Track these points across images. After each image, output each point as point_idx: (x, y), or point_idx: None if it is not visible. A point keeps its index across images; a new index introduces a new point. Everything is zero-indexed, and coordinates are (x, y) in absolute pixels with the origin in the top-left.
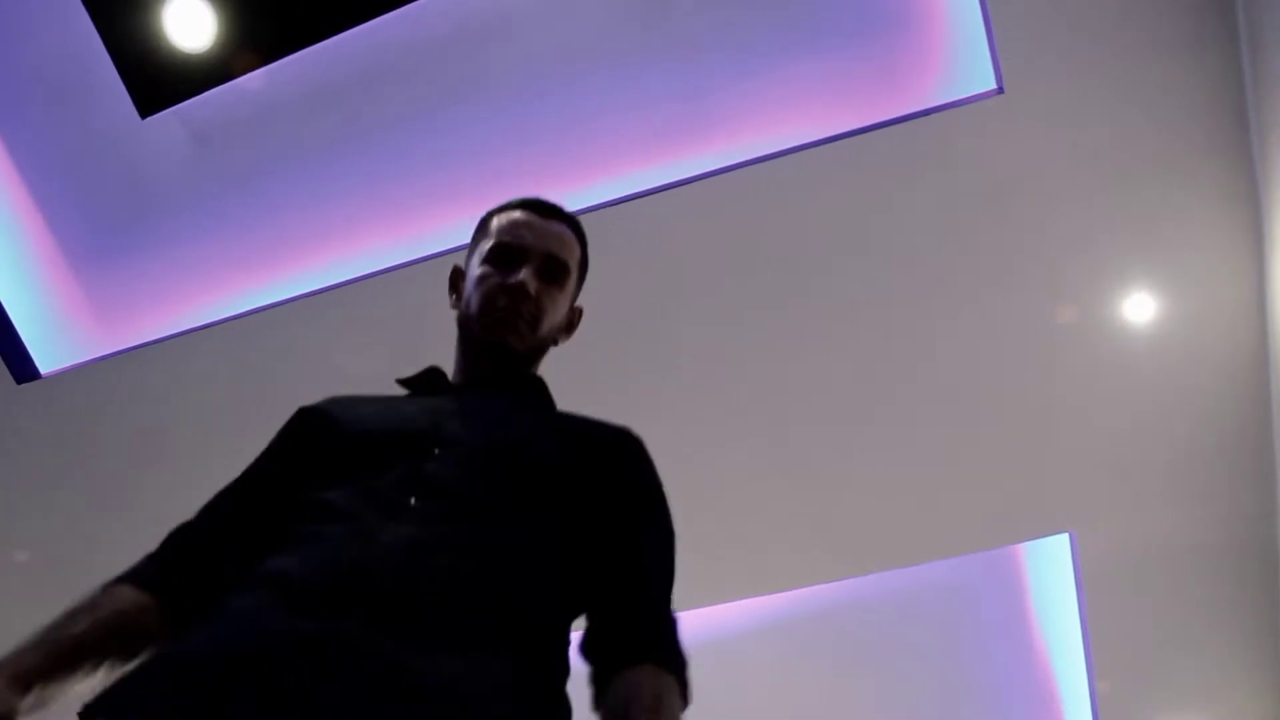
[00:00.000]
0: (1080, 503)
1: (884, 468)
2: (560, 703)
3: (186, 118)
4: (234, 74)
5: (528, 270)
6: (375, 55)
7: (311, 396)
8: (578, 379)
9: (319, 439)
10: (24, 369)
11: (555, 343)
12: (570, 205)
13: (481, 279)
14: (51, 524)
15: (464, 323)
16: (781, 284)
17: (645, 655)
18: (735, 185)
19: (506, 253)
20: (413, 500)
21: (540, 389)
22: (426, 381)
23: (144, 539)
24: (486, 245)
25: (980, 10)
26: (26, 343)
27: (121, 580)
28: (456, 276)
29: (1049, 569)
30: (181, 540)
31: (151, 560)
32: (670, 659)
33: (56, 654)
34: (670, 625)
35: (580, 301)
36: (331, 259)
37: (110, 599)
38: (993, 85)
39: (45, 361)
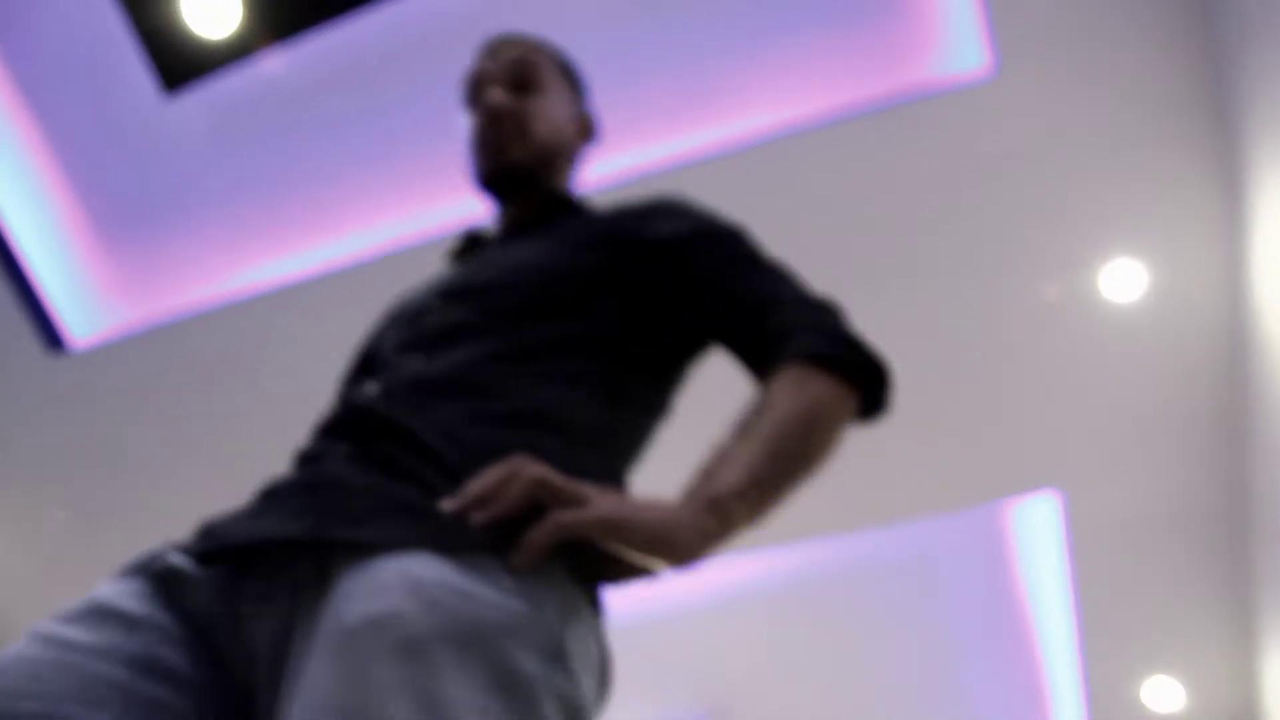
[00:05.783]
0: (1065, 466)
1: (873, 425)
2: (604, 474)
3: (211, 94)
4: (259, 50)
5: (492, 89)
6: (396, 31)
7: (334, 371)
8: None
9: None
10: (55, 340)
11: (572, 150)
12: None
13: (468, 130)
14: (80, 495)
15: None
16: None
17: (780, 354)
18: (725, 168)
19: (470, 91)
20: (408, 351)
21: (566, 204)
22: (464, 245)
23: (173, 507)
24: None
25: None
26: (59, 315)
27: None
28: None
29: (1036, 534)
30: None
31: None
32: (820, 347)
33: None
34: (820, 314)
35: None
36: (359, 233)
37: None
38: (984, 63)
39: (76, 333)
